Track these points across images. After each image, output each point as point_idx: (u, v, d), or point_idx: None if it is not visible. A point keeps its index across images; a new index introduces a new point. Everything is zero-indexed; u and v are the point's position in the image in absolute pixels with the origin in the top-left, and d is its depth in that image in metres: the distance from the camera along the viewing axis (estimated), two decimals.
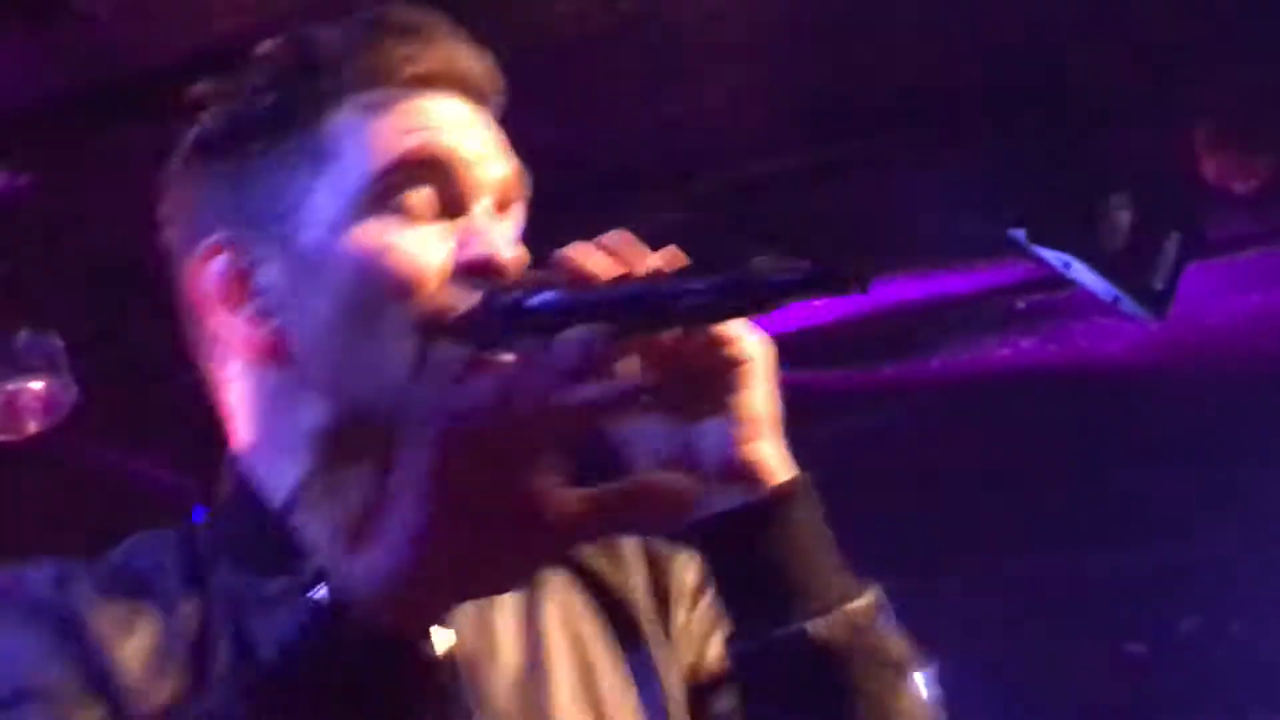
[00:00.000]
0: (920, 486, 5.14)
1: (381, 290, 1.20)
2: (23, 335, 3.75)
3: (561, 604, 1.32)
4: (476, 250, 1.20)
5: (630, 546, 1.37)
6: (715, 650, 1.30)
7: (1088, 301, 3.99)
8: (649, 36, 3.20)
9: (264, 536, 1.23)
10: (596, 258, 1.12)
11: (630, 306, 1.10)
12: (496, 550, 0.99)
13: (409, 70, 1.24)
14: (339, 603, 1.00)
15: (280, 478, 1.25)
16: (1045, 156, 3.78)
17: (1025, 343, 4.74)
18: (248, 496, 1.26)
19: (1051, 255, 3.76)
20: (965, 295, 4.46)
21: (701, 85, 3.37)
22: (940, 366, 4.81)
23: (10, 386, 3.84)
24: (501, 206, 1.23)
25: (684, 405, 1.18)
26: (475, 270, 1.19)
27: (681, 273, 1.13)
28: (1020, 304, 4.50)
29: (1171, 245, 3.86)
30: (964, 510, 5.25)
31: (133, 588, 1.20)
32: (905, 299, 4.33)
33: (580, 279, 1.12)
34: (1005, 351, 4.77)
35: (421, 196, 1.21)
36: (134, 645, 1.16)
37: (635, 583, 1.34)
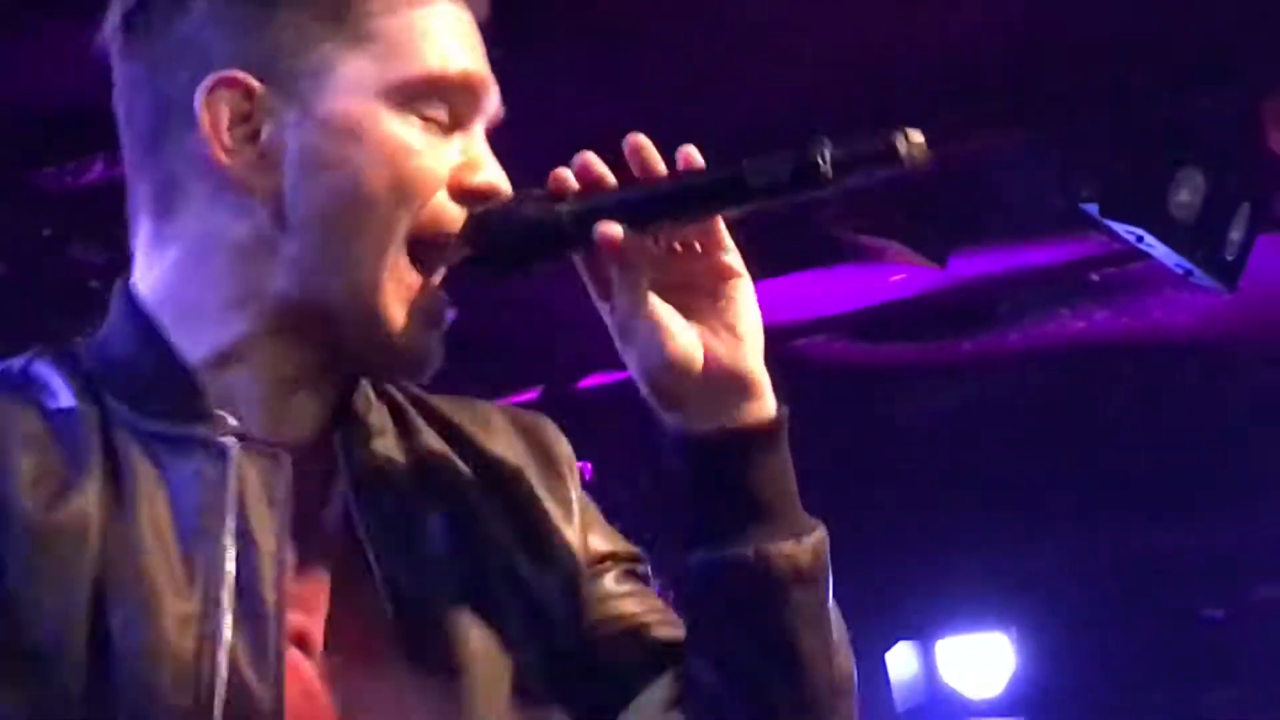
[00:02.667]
0: (999, 461, 5.15)
1: (392, 189, 1.21)
2: None
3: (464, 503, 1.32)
4: (483, 178, 1.23)
5: (498, 416, 1.36)
6: (596, 534, 1.33)
7: (1160, 274, 4.00)
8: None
9: (168, 380, 1.20)
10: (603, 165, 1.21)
11: (650, 204, 1.19)
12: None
13: None
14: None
15: (197, 330, 1.21)
16: (1117, 131, 3.77)
17: (1099, 315, 4.73)
18: (147, 332, 1.22)
19: (1123, 229, 3.75)
20: (1040, 269, 4.48)
21: (784, 57, 3.40)
22: (1018, 340, 4.81)
23: None
24: (488, 127, 1.26)
25: (688, 308, 1.23)
26: (477, 195, 1.22)
27: (686, 172, 1.21)
28: (1094, 277, 4.51)
29: (1241, 217, 3.84)
30: (1044, 482, 5.26)
31: (31, 395, 1.18)
32: (983, 273, 4.31)
33: (592, 184, 1.20)
34: (1080, 324, 4.76)
35: (439, 112, 1.23)
36: (28, 461, 1.14)
37: (518, 451, 1.34)
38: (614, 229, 1.19)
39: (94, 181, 3.63)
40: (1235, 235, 3.86)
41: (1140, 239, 3.74)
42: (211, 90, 1.18)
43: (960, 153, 3.68)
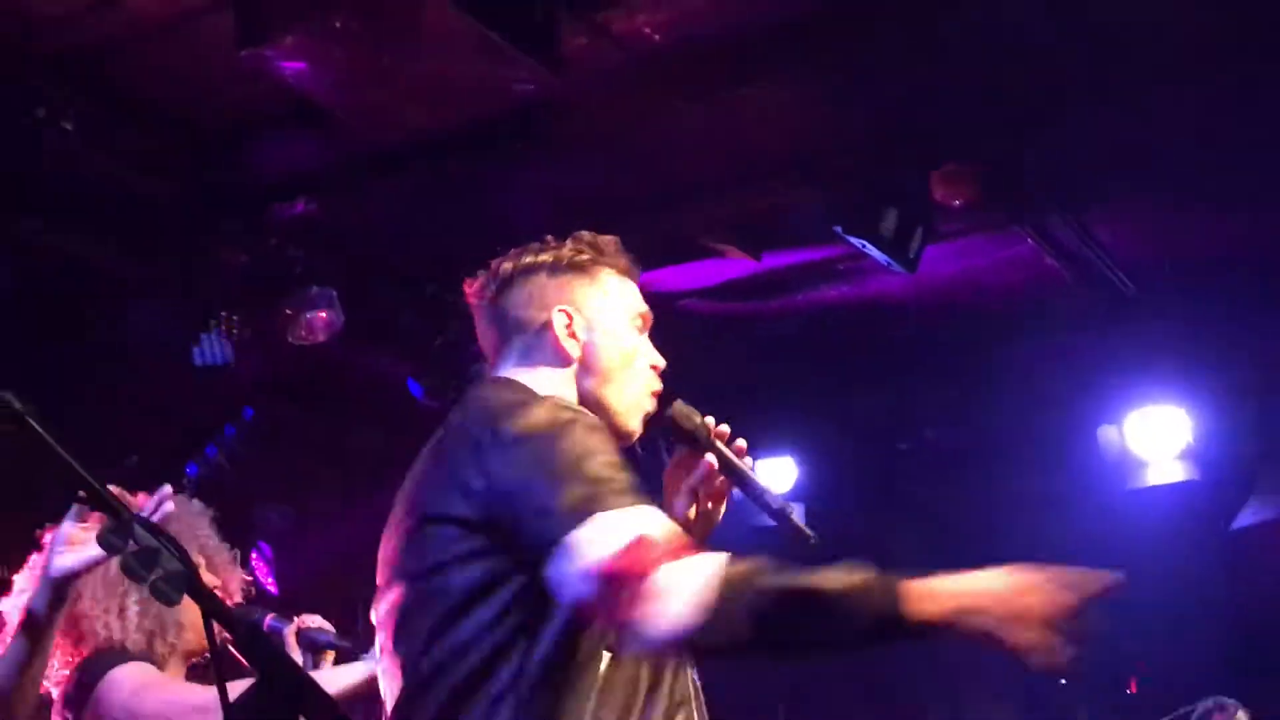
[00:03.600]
0: (791, 363, 6.83)
1: (636, 360, 2.37)
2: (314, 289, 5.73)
3: None
4: (657, 360, 2.40)
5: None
6: None
7: (875, 265, 5.50)
8: None
9: None
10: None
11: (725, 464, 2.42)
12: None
13: (631, 269, 2.43)
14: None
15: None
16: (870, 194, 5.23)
17: (845, 287, 6.32)
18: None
19: (856, 241, 5.32)
20: (813, 262, 6.07)
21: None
22: (801, 301, 6.41)
23: (307, 315, 5.68)
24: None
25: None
26: (656, 369, 2.40)
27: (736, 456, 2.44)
28: (840, 267, 6.11)
29: (917, 238, 5.40)
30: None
31: None
32: (782, 264, 6.06)
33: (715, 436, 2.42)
34: (835, 292, 6.37)
35: (644, 327, 2.42)
36: None
37: None
38: (714, 462, 2.40)
39: None
40: (914, 245, 5.39)
41: (865, 246, 5.32)
42: (557, 313, 2.35)
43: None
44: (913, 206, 5.36)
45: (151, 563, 1.66)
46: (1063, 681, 8.16)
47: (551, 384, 2.32)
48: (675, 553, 2.01)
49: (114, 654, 2.93)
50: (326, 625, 3.05)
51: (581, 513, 2.01)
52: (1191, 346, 6.58)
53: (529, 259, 2.38)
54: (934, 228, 5.49)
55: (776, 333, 6.67)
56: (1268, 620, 7.46)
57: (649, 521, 2.03)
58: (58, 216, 4.96)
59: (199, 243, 5.31)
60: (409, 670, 2.15)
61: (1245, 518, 6.65)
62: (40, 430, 1.65)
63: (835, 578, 2.00)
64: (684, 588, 1.95)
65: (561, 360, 2.35)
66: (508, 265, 2.39)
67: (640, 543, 1.98)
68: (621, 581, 1.97)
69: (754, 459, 2.58)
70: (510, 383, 2.33)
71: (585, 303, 2.38)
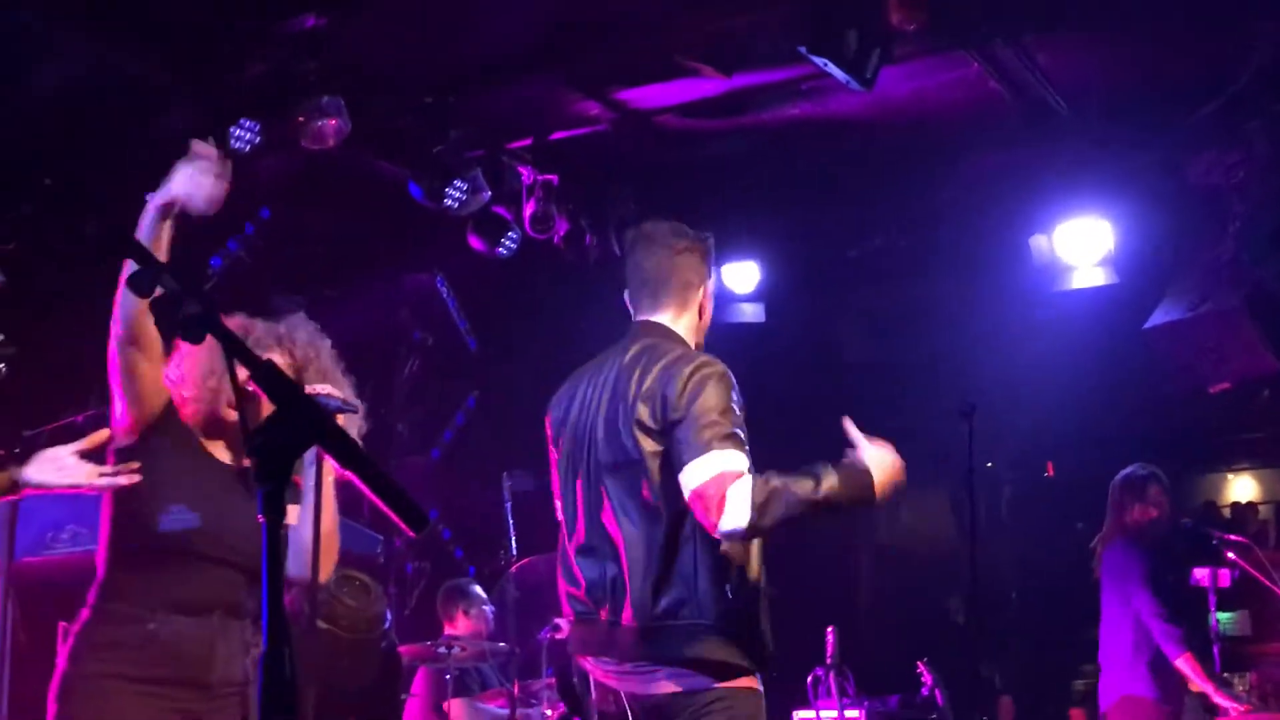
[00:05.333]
0: (754, 185, 7.37)
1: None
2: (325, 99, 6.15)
3: None
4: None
5: None
6: None
7: (836, 83, 5.85)
8: None
9: None
10: None
11: None
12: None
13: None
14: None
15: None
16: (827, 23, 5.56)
17: (809, 105, 6.69)
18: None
19: (819, 60, 5.67)
20: (780, 81, 6.42)
21: None
22: (768, 117, 6.78)
23: (317, 122, 6.08)
24: None
25: None
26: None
27: None
28: (803, 87, 6.49)
29: (875, 56, 5.76)
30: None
31: None
32: (752, 83, 6.38)
33: None
34: (798, 110, 6.73)
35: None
36: None
37: None
38: None
39: None
40: (871, 65, 5.73)
41: (826, 65, 5.68)
42: (702, 283, 3.71)
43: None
44: (871, 29, 5.73)
45: (175, 305, 1.78)
46: (989, 464, 9.03)
47: (690, 332, 3.67)
48: (737, 478, 3.28)
49: None
50: (335, 391, 3.27)
51: (699, 447, 3.33)
52: (1115, 164, 7.09)
53: (696, 242, 3.69)
54: (889, 50, 5.84)
55: (744, 146, 7.04)
56: (1175, 404, 8.20)
57: (732, 460, 3.32)
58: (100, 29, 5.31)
59: (222, 53, 5.66)
60: (639, 519, 3.49)
61: (1157, 317, 7.26)
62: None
63: (828, 484, 3.36)
64: (736, 507, 3.26)
65: (699, 315, 3.69)
66: (685, 240, 3.67)
67: (721, 476, 3.29)
68: (704, 500, 3.29)
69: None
70: (672, 333, 3.63)
71: (708, 282, 3.71)
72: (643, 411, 3.44)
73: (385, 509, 1.86)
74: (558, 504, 3.64)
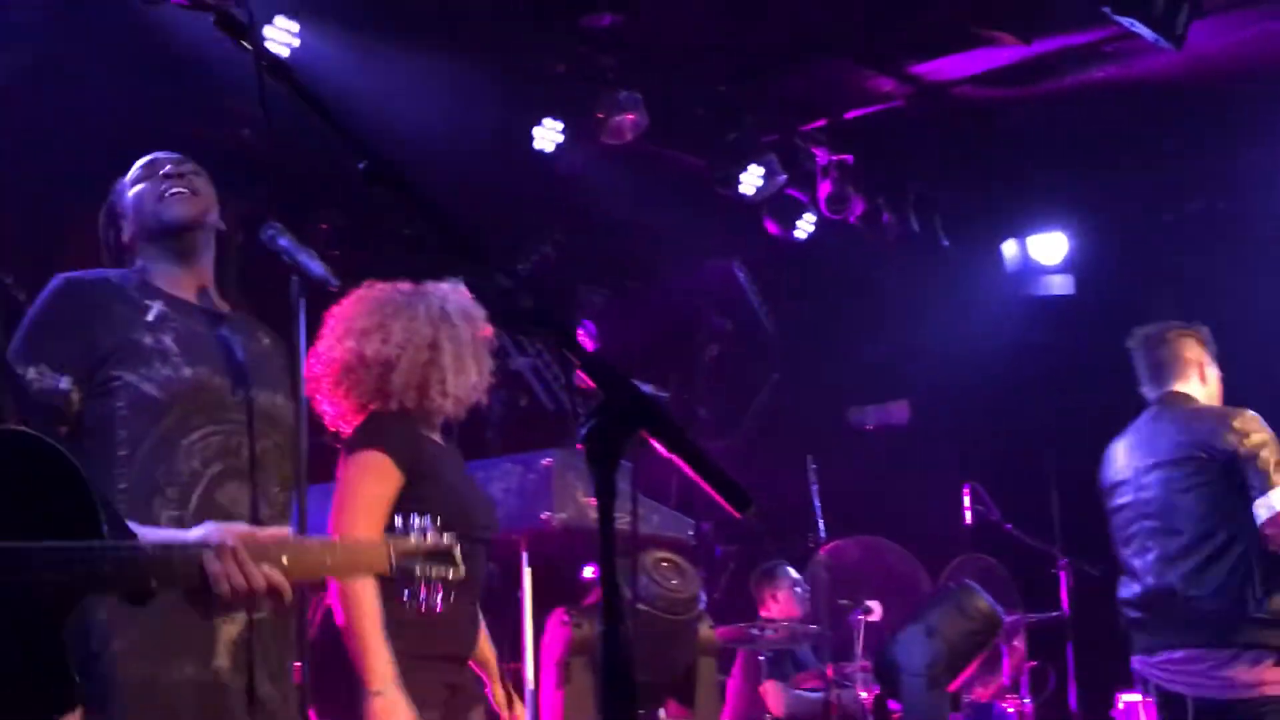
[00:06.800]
0: (1057, 155, 7.25)
1: None
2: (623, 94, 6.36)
3: None
4: None
5: None
6: None
7: (1143, 44, 5.72)
8: None
9: None
10: None
11: None
12: None
13: None
14: None
15: None
16: None
17: (1113, 67, 6.53)
18: None
19: (1125, 20, 5.54)
20: (1081, 45, 6.30)
21: None
22: (1071, 81, 6.60)
23: (615, 118, 6.30)
24: None
25: None
26: None
27: None
28: (1107, 49, 6.33)
29: (1184, 10, 5.56)
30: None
31: None
32: (1059, 47, 6.19)
33: None
34: (1101, 73, 6.58)
35: None
36: None
37: None
38: None
39: None
40: (1181, 21, 5.57)
41: (1133, 24, 5.53)
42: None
43: None
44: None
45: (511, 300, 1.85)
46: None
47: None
48: None
49: None
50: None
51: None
52: None
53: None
54: (1199, 4, 5.61)
55: (1044, 115, 6.90)
56: None
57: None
58: None
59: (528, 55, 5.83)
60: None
61: None
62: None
63: None
64: None
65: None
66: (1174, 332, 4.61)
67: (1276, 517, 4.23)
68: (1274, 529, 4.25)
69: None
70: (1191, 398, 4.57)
71: None
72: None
73: (709, 490, 1.85)
74: None
